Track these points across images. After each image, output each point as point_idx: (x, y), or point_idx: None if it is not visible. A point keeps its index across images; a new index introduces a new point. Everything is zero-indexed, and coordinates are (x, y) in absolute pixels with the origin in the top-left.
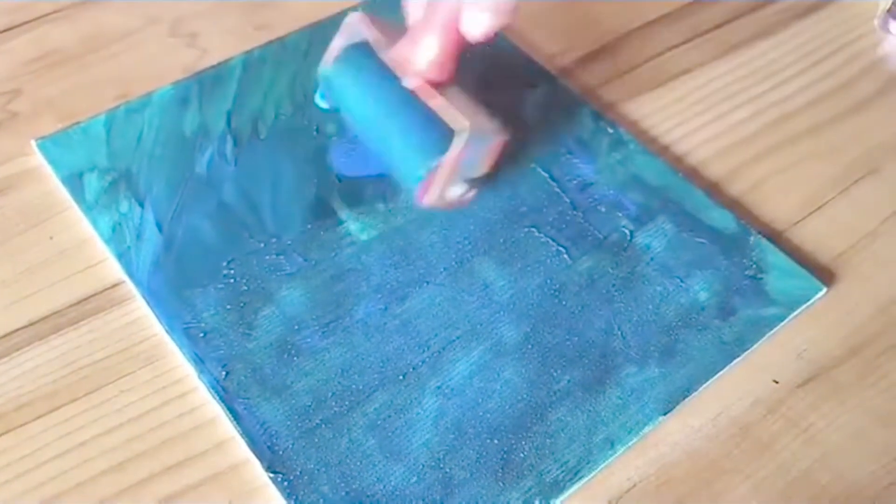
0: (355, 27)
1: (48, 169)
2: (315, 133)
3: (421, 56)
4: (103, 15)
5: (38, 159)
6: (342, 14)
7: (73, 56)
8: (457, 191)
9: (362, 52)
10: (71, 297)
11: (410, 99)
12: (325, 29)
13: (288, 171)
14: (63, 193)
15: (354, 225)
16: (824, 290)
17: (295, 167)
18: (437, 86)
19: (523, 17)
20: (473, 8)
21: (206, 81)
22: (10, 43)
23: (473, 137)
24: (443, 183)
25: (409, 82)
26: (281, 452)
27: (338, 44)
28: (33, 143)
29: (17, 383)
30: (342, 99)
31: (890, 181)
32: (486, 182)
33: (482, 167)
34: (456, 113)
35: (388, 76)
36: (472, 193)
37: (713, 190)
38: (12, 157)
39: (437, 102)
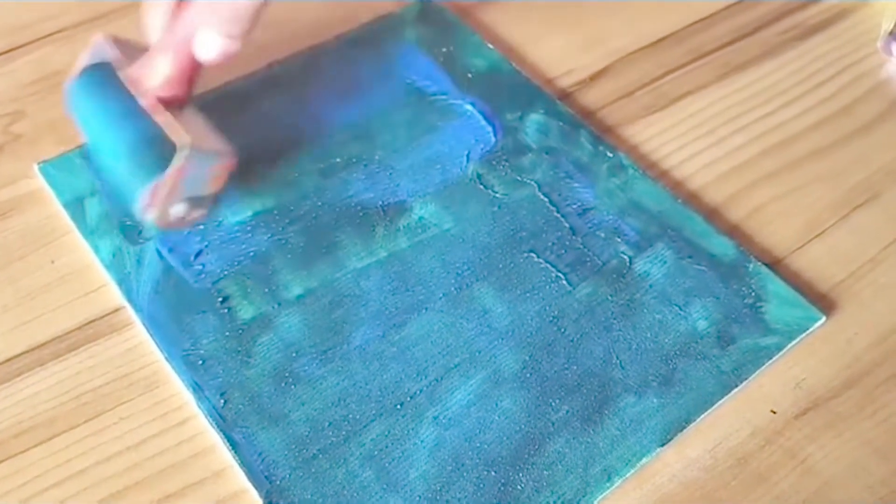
0: (100, 48)
1: (50, 192)
2: (325, 154)
3: (155, 75)
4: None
5: (39, 182)
6: (345, 34)
7: None
8: (180, 209)
9: (103, 72)
10: (71, 322)
11: (140, 116)
12: (327, 49)
13: None
14: (64, 218)
15: (353, 250)
16: (823, 318)
17: None
18: (171, 105)
19: (523, 39)
20: (206, 31)
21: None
22: (12, 64)
23: (196, 155)
24: (164, 199)
25: (142, 100)
26: (278, 482)
27: (82, 63)
28: (35, 166)
29: (16, 409)
30: (79, 115)
31: (891, 207)
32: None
33: (208, 187)
34: (179, 130)
35: (123, 94)
36: (198, 214)
37: (713, 216)
38: (14, 180)
39: (164, 119)
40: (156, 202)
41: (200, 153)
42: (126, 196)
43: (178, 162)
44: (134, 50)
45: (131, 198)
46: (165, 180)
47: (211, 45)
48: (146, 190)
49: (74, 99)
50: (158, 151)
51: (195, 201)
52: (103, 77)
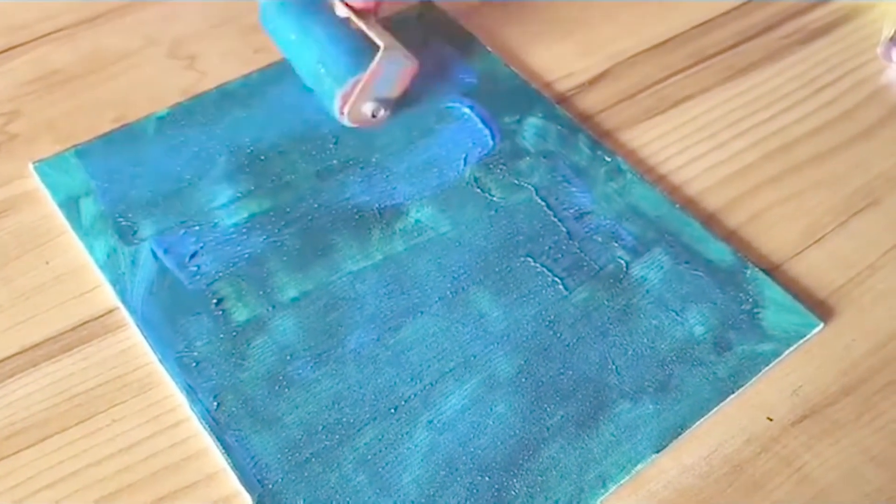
0: None
1: (45, 192)
2: (323, 156)
3: None
4: (103, 36)
5: (35, 182)
6: None
7: (72, 77)
8: (371, 107)
9: None
10: (65, 323)
11: (338, 23)
12: None
13: None
14: (59, 218)
15: (349, 252)
16: (821, 325)
17: None
18: (364, 15)
19: (521, 42)
20: None
21: (206, 104)
22: (10, 63)
23: (390, 58)
24: (360, 96)
25: (339, 10)
26: (271, 486)
27: None
28: (31, 165)
29: (9, 411)
30: (276, 25)
31: (890, 213)
32: (396, 110)
33: (395, 89)
34: (376, 35)
35: (319, 5)
36: (383, 114)
37: (711, 221)
38: (10, 179)
39: (361, 26)
40: (352, 99)
41: (394, 56)
42: (324, 94)
43: (375, 62)
44: None
45: (330, 95)
46: (363, 78)
47: None
48: (343, 88)
49: (270, 10)
50: (354, 54)
51: (383, 102)
52: None
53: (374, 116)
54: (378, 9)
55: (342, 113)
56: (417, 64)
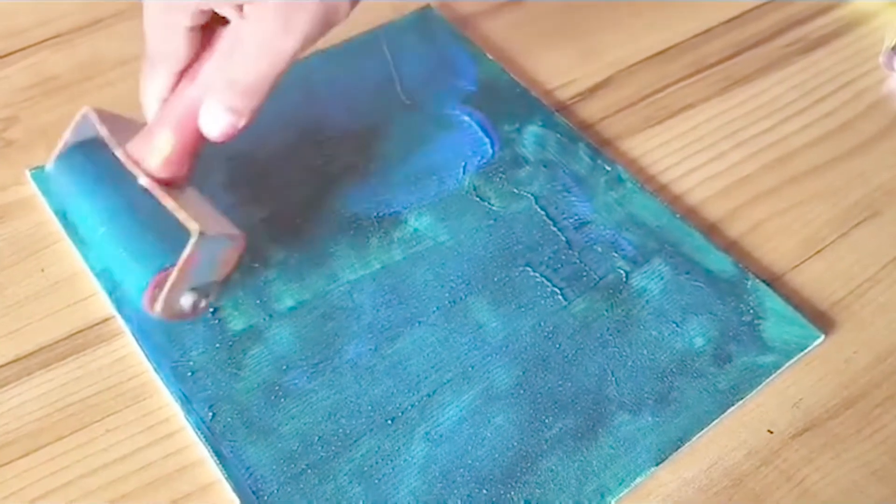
0: (87, 122)
1: (42, 199)
2: (320, 163)
3: (153, 152)
4: (100, 42)
5: (31, 189)
6: (342, 43)
7: (69, 83)
8: (188, 299)
9: (91, 149)
10: (60, 331)
11: (141, 199)
12: (325, 57)
13: None
14: (56, 225)
15: (346, 261)
16: (822, 337)
17: None
18: (171, 185)
19: (522, 49)
20: (213, 104)
21: None
22: (7, 69)
23: (206, 242)
24: (172, 290)
25: (142, 181)
26: (266, 498)
27: (66, 140)
28: (27, 172)
29: (2, 420)
30: (67, 198)
31: (891, 225)
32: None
33: (218, 273)
34: (186, 215)
35: (118, 175)
36: (205, 302)
37: (711, 231)
38: (6, 186)
39: (170, 203)
40: (163, 294)
41: (211, 239)
42: (128, 286)
43: (187, 251)
44: (124, 124)
45: (135, 289)
46: (174, 270)
47: (218, 120)
48: (151, 281)
49: (60, 180)
50: (162, 239)
51: (203, 289)
52: (92, 155)
53: (194, 309)
54: (188, 176)
55: (153, 309)
56: (244, 238)
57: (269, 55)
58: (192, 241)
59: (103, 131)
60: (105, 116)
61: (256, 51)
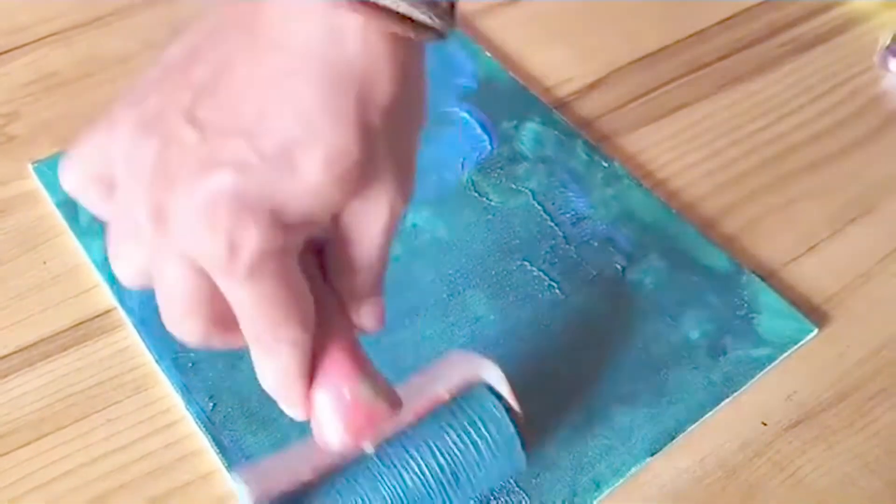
0: (256, 492)
1: (44, 193)
2: None
3: (348, 412)
4: (101, 39)
5: (34, 183)
6: None
7: (70, 80)
8: None
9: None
10: (62, 323)
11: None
12: None
13: None
14: (58, 218)
15: None
16: (816, 331)
17: None
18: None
19: (522, 48)
20: (361, 303)
21: None
22: (8, 66)
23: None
24: None
25: (368, 446)
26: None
27: None
28: (30, 166)
29: (5, 409)
30: None
31: (885, 221)
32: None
33: None
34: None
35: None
36: None
37: (707, 227)
38: (9, 180)
39: (424, 399)
40: None
41: None
42: None
43: (504, 386)
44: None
45: None
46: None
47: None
48: None
49: None
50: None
51: None
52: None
53: None
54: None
55: None
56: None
57: (390, 231)
58: (496, 375)
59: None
60: (254, 472)
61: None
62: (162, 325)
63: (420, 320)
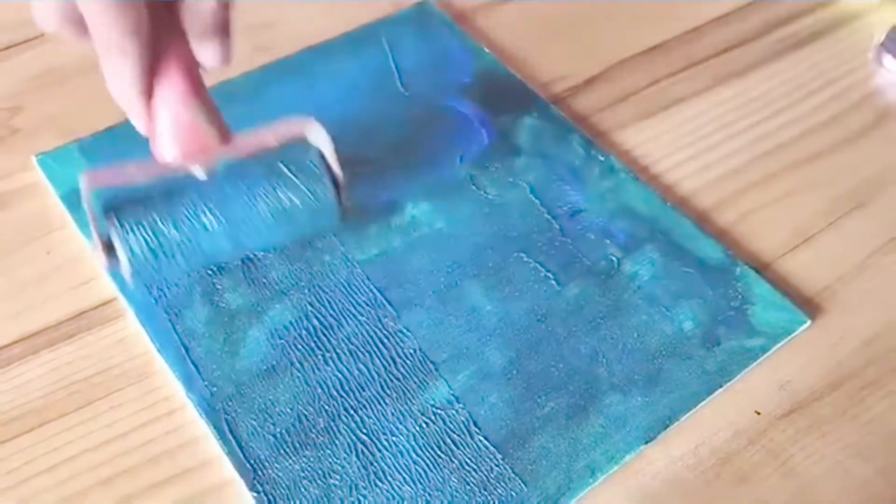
0: (93, 184)
1: (48, 185)
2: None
3: (181, 131)
4: None
5: (38, 175)
6: (342, 36)
7: (74, 73)
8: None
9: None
10: (65, 312)
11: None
12: (325, 51)
13: None
14: (62, 209)
15: (346, 246)
16: (809, 322)
17: None
18: (218, 147)
19: (519, 44)
20: (203, 42)
21: None
22: (13, 59)
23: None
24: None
25: (199, 171)
26: (264, 472)
27: (91, 210)
28: (34, 158)
29: (8, 397)
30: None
31: (878, 215)
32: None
33: None
34: (280, 129)
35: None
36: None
37: (702, 220)
38: (13, 172)
39: (252, 141)
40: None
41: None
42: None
43: (326, 138)
44: (122, 166)
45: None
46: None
47: (216, 53)
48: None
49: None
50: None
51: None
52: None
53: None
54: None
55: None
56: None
57: None
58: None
59: (116, 178)
60: (101, 171)
61: None
62: (162, 314)
63: (418, 310)
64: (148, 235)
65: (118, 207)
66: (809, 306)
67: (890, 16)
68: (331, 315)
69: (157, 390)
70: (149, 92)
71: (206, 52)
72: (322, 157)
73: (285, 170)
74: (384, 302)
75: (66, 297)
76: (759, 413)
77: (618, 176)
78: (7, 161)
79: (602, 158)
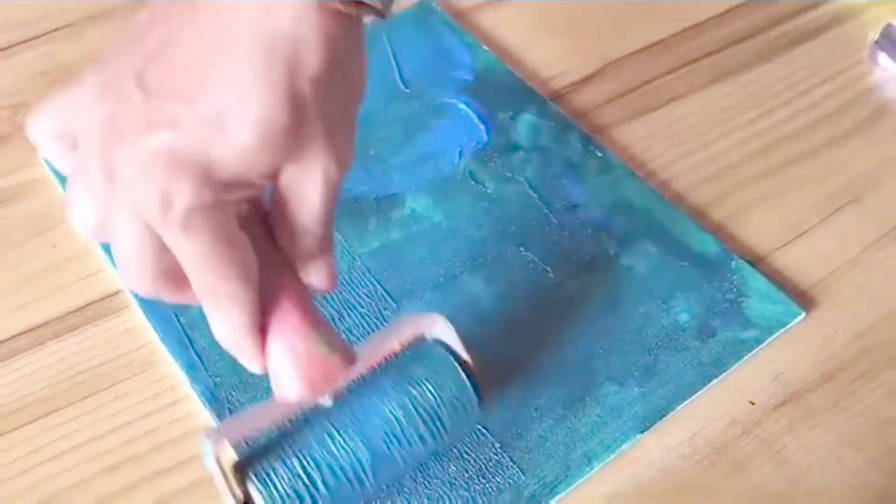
0: (225, 442)
1: (53, 180)
2: None
3: (302, 365)
4: (110, 31)
5: (42, 170)
6: None
7: (79, 71)
8: None
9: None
10: (71, 304)
11: (367, 388)
12: None
13: None
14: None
15: (347, 239)
16: (803, 314)
17: None
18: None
19: (518, 43)
20: (307, 265)
21: None
22: (19, 57)
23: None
24: None
25: (325, 399)
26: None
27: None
28: (39, 154)
29: (15, 387)
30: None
31: (871, 210)
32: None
33: None
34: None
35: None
36: None
37: (698, 214)
38: (18, 167)
39: (376, 352)
40: None
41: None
42: None
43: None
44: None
45: None
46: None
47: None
48: None
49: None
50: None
51: None
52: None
53: None
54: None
55: None
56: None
57: (327, 197)
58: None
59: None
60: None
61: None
62: (166, 307)
63: (418, 302)
64: (289, 483)
65: (248, 458)
66: (803, 299)
67: (884, 14)
68: (332, 306)
69: (161, 380)
70: (261, 332)
71: (313, 276)
72: (449, 349)
73: (418, 371)
74: (384, 293)
75: (71, 290)
76: (753, 403)
77: (615, 171)
78: (12, 157)
79: (599, 154)
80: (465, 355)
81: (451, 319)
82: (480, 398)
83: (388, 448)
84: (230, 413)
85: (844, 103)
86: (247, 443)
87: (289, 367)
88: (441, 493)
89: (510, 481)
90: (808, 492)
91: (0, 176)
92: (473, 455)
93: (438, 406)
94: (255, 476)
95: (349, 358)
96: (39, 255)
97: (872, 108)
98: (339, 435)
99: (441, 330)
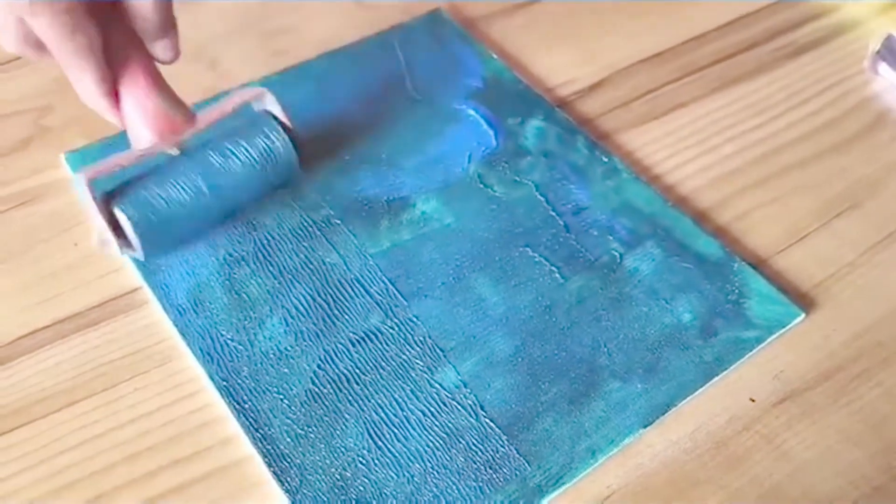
0: (92, 177)
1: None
2: (337, 151)
3: (149, 118)
4: None
5: (66, 171)
6: (357, 42)
7: None
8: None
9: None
10: (92, 299)
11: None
12: (341, 56)
13: None
14: None
15: (359, 240)
16: (802, 315)
17: None
18: (185, 126)
19: (525, 50)
20: (154, 41)
21: None
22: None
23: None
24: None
25: (172, 149)
26: (281, 450)
27: (92, 201)
28: (62, 156)
29: (38, 378)
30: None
31: (869, 215)
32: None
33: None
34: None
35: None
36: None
37: (701, 218)
38: (42, 168)
39: (212, 114)
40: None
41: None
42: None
43: (276, 104)
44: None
45: None
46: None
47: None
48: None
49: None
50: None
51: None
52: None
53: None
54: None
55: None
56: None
57: None
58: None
59: (110, 165)
60: (98, 165)
61: None
62: (185, 302)
63: (428, 301)
64: (146, 204)
65: (113, 192)
66: (803, 301)
67: (885, 25)
68: (345, 305)
69: (180, 373)
70: (112, 93)
71: (158, 50)
72: (273, 116)
73: (244, 128)
74: (395, 292)
75: (93, 286)
76: (753, 400)
77: (620, 176)
78: (37, 158)
79: (605, 159)
80: (283, 118)
81: (460, 318)
82: (298, 151)
83: (221, 169)
84: (245, 405)
85: (845, 112)
86: (108, 181)
87: (138, 120)
88: (449, 482)
89: (516, 472)
90: (806, 485)
91: (25, 177)
92: (481, 447)
93: (255, 145)
94: (121, 197)
95: (189, 116)
96: (62, 252)
97: (872, 116)
98: (182, 169)
99: (268, 101)
